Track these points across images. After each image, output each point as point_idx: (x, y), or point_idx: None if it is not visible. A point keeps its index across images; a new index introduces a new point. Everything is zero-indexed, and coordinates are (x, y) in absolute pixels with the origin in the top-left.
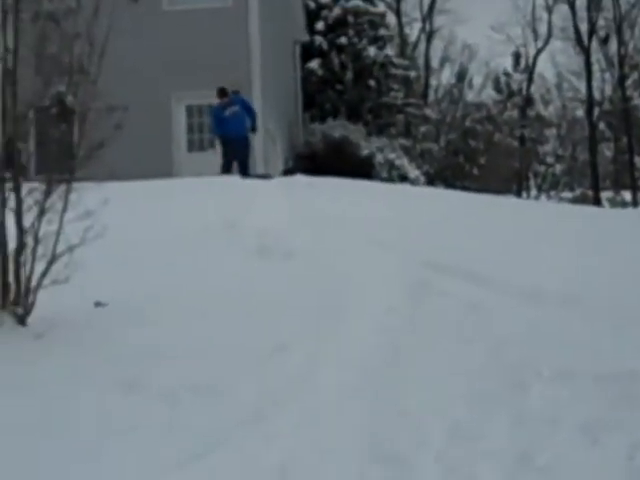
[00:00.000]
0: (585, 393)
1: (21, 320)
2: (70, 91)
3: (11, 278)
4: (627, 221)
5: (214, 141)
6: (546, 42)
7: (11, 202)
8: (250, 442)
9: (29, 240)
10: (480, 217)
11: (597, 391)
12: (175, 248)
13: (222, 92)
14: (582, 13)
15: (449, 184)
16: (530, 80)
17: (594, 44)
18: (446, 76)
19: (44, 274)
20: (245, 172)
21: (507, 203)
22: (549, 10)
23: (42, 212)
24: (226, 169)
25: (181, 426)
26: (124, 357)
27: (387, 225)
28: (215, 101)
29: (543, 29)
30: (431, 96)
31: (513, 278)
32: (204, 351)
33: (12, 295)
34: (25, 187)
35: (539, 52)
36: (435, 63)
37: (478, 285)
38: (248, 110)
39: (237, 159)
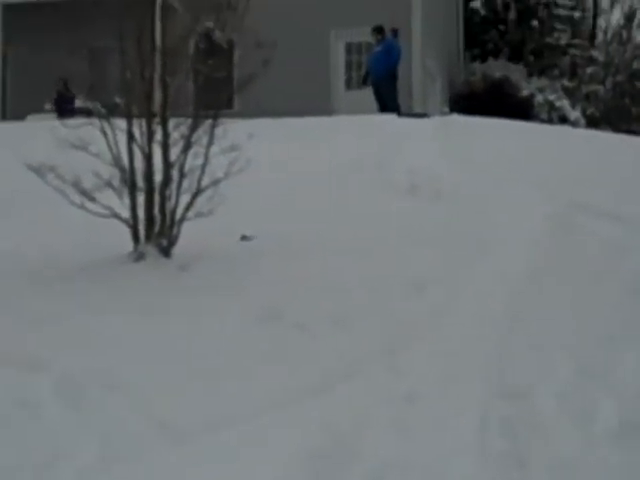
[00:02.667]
0: None
1: (165, 252)
2: (218, 27)
3: (156, 210)
4: None
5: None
6: None
7: (158, 136)
8: (379, 373)
9: (175, 173)
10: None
11: None
12: (323, 184)
13: (376, 30)
14: None
15: (614, 126)
16: None
17: None
18: (616, 17)
19: (188, 207)
20: (392, 109)
21: None
22: None
23: (188, 146)
24: (382, 108)
25: (314, 356)
26: (264, 289)
27: (540, 165)
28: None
29: None
30: (599, 37)
31: None
32: (342, 285)
33: (157, 227)
34: (171, 121)
35: None
36: (605, 4)
37: (622, 225)
38: (387, 53)
39: (378, 98)
